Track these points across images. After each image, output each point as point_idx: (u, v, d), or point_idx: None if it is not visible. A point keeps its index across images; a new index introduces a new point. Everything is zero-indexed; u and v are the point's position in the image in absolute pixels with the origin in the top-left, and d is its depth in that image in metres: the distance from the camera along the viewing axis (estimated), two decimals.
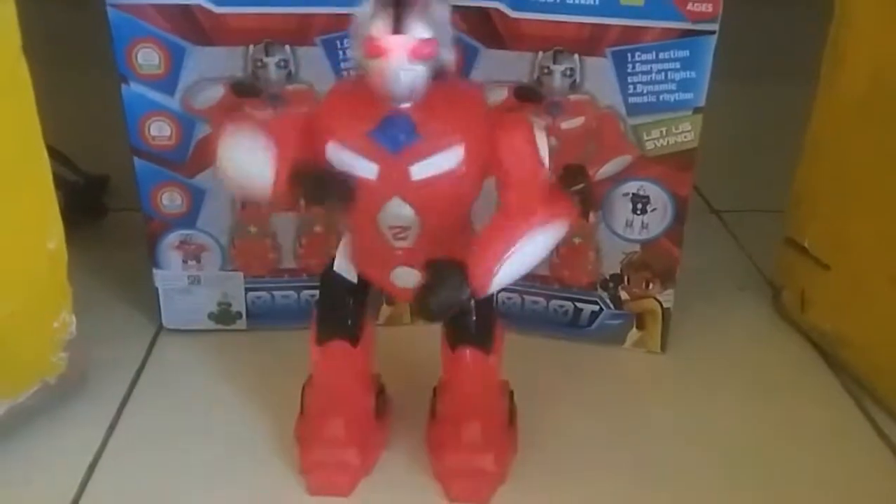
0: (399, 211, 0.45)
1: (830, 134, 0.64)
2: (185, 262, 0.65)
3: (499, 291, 0.48)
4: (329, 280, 0.51)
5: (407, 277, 0.48)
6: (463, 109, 0.46)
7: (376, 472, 0.54)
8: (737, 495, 0.54)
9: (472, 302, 0.50)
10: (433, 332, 0.53)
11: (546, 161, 0.46)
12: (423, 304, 0.44)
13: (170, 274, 0.65)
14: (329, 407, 0.53)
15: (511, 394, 0.55)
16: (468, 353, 0.50)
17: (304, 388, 0.55)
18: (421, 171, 0.44)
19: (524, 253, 0.45)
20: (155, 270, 0.65)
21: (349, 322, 0.51)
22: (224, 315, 0.67)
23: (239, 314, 0.67)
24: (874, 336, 0.61)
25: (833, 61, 0.62)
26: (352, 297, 0.51)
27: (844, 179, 0.63)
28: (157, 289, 0.66)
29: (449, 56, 0.44)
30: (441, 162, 0.44)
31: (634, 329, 0.66)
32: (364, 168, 0.44)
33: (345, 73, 0.59)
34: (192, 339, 0.67)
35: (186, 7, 0.56)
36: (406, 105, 0.44)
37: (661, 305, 0.64)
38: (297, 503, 0.52)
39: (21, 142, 0.50)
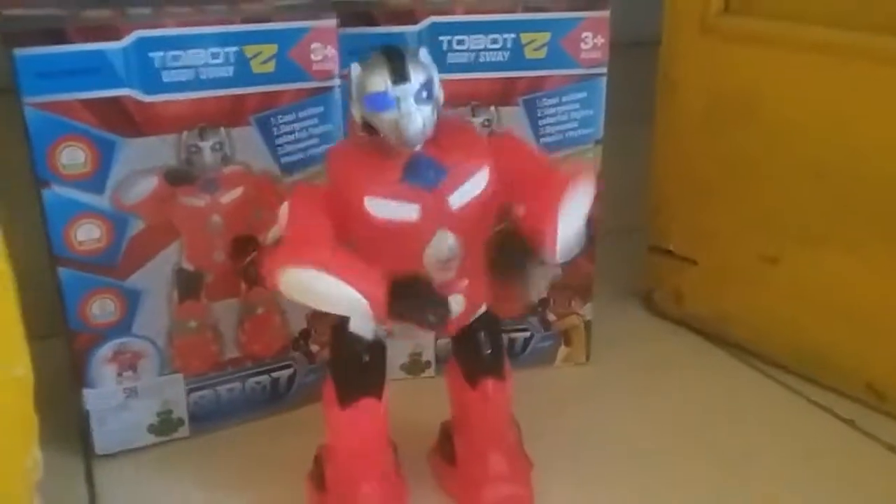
0: (444, 243, 0.47)
1: (675, 148, 0.76)
2: (119, 374, 0.59)
3: None
4: (344, 341, 0.51)
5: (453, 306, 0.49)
6: (468, 137, 0.50)
7: None
8: (682, 470, 0.60)
9: (483, 334, 0.54)
10: (414, 388, 0.55)
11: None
12: (519, 276, 0.47)
13: (103, 391, 0.59)
14: (360, 472, 0.52)
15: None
16: (490, 384, 0.53)
17: (319, 463, 0.53)
18: (458, 199, 0.47)
19: (575, 209, 0.47)
20: (84, 391, 0.59)
21: (372, 378, 0.51)
22: (165, 424, 0.62)
23: (181, 420, 0.62)
24: (752, 307, 0.73)
25: (667, 88, 0.75)
26: (369, 354, 0.51)
27: (695, 185, 0.76)
28: (87, 412, 0.59)
29: (441, 93, 0.48)
30: (473, 186, 0.47)
31: (563, 346, 0.72)
32: (406, 210, 0.46)
33: (279, 147, 0.60)
34: (130, 459, 0.61)
35: (115, 98, 0.54)
36: (417, 148, 0.47)
37: (583, 319, 0.72)
38: None
39: None
